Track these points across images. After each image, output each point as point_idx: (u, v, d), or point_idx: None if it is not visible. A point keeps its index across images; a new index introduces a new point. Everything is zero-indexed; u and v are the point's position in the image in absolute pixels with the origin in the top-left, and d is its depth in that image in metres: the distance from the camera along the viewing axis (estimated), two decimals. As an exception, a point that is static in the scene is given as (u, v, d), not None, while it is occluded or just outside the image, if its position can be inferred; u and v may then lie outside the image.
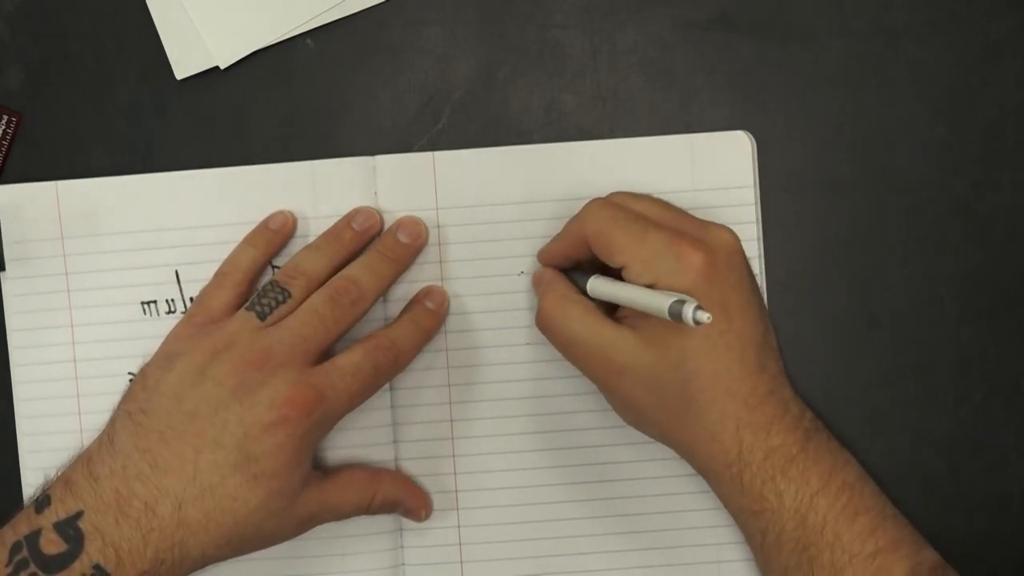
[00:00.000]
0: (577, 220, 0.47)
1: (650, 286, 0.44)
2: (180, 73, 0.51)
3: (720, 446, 0.44)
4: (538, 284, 0.49)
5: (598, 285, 0.46)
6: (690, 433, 0.45)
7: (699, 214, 0.50)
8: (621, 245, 0.44)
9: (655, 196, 0.49)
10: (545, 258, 0.50)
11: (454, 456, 0.51)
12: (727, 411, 0.44)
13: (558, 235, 0.49)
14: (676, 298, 0.41)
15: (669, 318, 0.41)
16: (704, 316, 0.40)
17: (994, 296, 0.51)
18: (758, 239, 0.51)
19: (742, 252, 0.46)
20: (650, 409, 0.46)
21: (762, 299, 0.47)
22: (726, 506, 0.46)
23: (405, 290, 0.51)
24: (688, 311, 0.40)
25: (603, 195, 0.49)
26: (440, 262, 0.51)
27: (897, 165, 0.51)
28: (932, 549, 0.45)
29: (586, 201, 0.50)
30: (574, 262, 0.48)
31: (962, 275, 0.51)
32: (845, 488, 0.44)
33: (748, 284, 0.46)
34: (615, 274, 0.46)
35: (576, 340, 0.46)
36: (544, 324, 0.47)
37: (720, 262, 0.44)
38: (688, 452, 0.46)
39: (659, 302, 0.42)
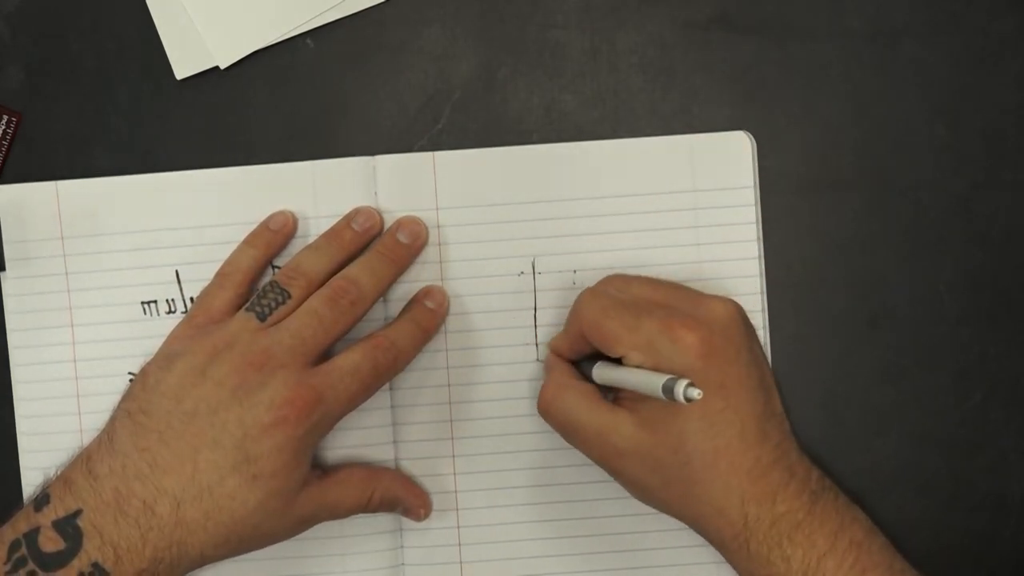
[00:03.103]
0: (573, 315, 0.48)
1: (652, 370, 0.44)
2: (180, 73, 0.51)
3: (727, 519, 0.44)
4: (544, 370, 0.50)
5: (601, 371, 0.47)
6: (695, 509, 0.45)
7: (699, 214, 0.50)
8: (616, 336, 0.45)
9: (646, 276, 0.49)
10: (554, 349, 0.50)
11: (454, 456, 0.51)
12: (730, 486, 0.44)
13: (563, 330, 0.49)
14: (668, 377, 0.41)
15: (664, 398, 0.41)
16: (695, 393, 0.40)
17: (994, 296, 0.51)
18: (758, 239, 0.51)
19: (741, 322, 0.46)
20: (654, 489, 0.46)
21: (765, 365, 0.47)
22: (737, 571, 0.46)
23: (405, 290, 0.51)
24: (680, 389, 0.40)
25: (607, 196, 0.49)
26: (440, 262, 0.51)
27: (897, 165, 0.51)
28: None
29: (586, 201, 0.50)
30: (579, 355, 0.48)
31: (962, 275, 0.51)
32: (852, 547, 0.44)
33: (747, 356, 0.45)
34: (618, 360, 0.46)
35: (576, 425, 0.46)
36: (544, 411, 0.47)
37: (716, 338, 0.44)
38: (696, 524, 0.46)
39: (653, 382, 0.42)
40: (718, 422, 0.44)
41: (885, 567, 0.44)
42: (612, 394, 0.47)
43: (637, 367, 0.44)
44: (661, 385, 0.41)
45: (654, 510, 0.49)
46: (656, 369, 0.43)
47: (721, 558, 0.50)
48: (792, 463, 0.45)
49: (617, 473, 0.47)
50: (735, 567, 0.46)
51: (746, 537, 0.44)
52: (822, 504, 0.45)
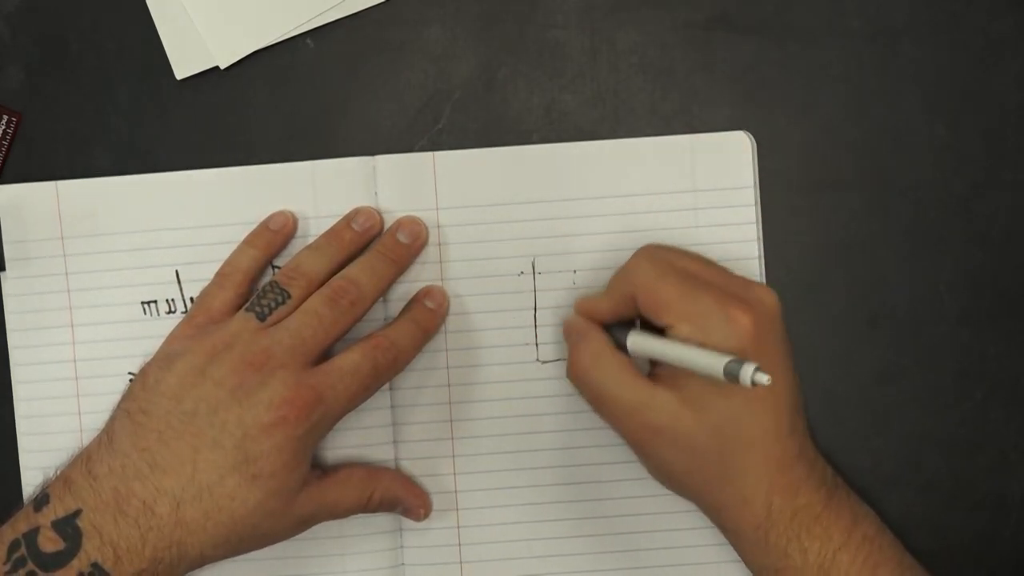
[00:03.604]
0: (623, 275, 0.46)
1: (699, 346, 0.43)
2: (180, 73, 0.51)
3: (751, 509, 0.44)
4: (569, 334, 0.47)
5: (641, 341, 0.45)
6: (721, 496, 0.45)
7: (699, 214, 0.50)
8: (669, 303, 0.44)
9: (697, 253, 0.47)
10: (586, 311, 0.47)
11: (454, 456, 0.51)
12: (761, 475, 0.44)
13: (604, 291, 0.47)
14: (732, 357, 0.40)
15: (723, 378, 0.40)
16: (764, 378, 0.39)
17: (994, 296, 0.51)
18: (758, 239, 0.51)
19: (781, 314, 0.45)
20: (682, 471, 0.45)
21: (794, 361, 0.46)
22: (746, 563, 0.46)
23: (405, 290, 0.51)
24: (747, 372, 0.39)
25: (607, 196, 0.49)
26: (440, 262, 0.51)
27: (897, 165, 0.51)
28: None
29: (586, 201, 0.50)
30: (619, 318, 0.47)
31: (962, 275, 0.51)
32: (866, 542, 0.44)
33: (785, 347, 0.45)
34: (653, 329, 0.45)
35: (611, 398, 0.45)
36: (577, 378, 0.46)
37: (764, 324, 0.44)
38: (716, 512, 0.46)
39: (713, 361, 0.41)
40: (759, 410, 0.44)
41: (896, 562, 0.44)
42: (647, 368, 0.46)
43: (682, 341, 0.43)
44: (724, 365, 0.40)
45: (654, 511, 0.50)
46: (703, 345, 0.42)
47: (722, 558, 0.50)
48: (812, 458, 0.45)
49: (645, 450, 0.46)
50: (748, 559, 0.46)
51: (767, 528, 0.44)
52: (837, 499, 0.45)
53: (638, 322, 0.47)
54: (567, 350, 0.48)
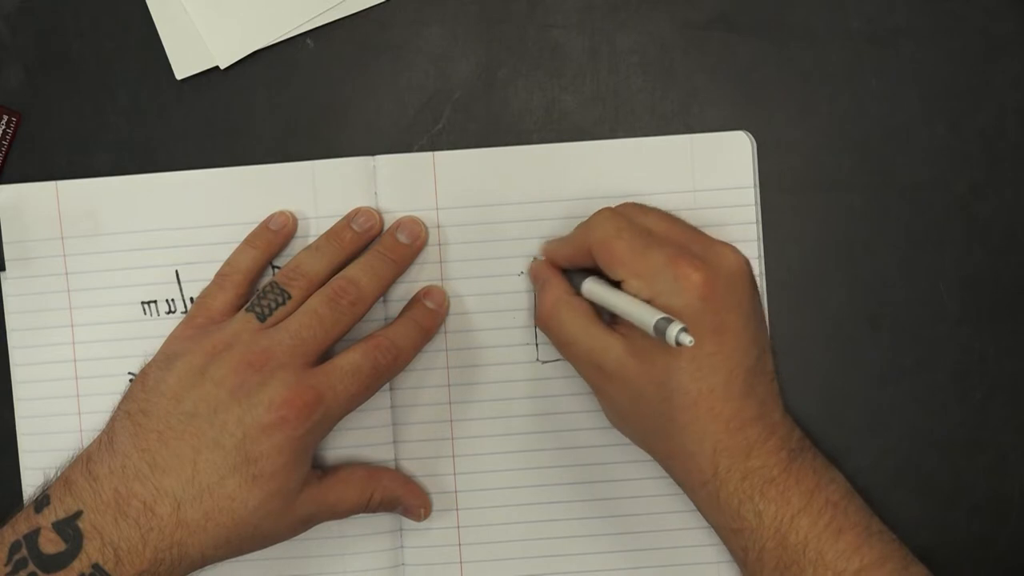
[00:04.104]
0: (584, 228, 0.47)
1: (648, 301, 0.44)
2: (180, 73, 0.51)
3: (696, 464, 0.44)
4: (535, 279, 0.50)
5: (592, 288, 0.47)
6: (667, 446, 0.46)
7: (699, 214, 0.50)
8: (622, 258, 0.45)
9: (664, 211, 0.49)
10: (549, 254, 0.50)
11: (454, 456, 0.51)
12: (706, 432, 0.44)
13: (566, 238, 0.49)
14: (662, 315, 0.41)
15: (653, 334, 0.41)
16: (687, 339, 0.40)
17: (994, 296, 0.51)
18: (758, 239, 0.51)
19: (746, 274, 0.46)
20: (632, 417, 0.46)
21: (763, 323, 0.47)
22: (707, 520, 0.46)
23: (405, 290, 0.51)
24: (672, 331, 0.40)
25: (607, 196, 0.49)
26: (440, 262, 0.51)
27: (897, 165, 0.51)
28: (920, 564, 0.44)
29: (586, 201, 0.50)
30: (576, 266, 0.48)
31: (962, 275, 0.51)
32: (828, 506, 0.44)
33: (747, 307, 0.45)
34: (616, 283, 0.46)
35: (568, 341, 0.47)
36: (542, 323, 0.48)
37: (720, 283, 0.44)
38: (666, 463, 0.47)
39: (646, 317, 0.42)
40: (705, 367, 0.44)
41: (862, 528, 0.44)
42: (609, 315, 0.47)
43: (633, 295, 0.44)
44: (654, 322, 0.41)
45: (654, 510, 0.50)
46: (652, 301, 0.43)
47: (722, 558, 0.50)
48: (774, 422, 0.45)
49: (600, 393, 0.47)
50: (707, 517, 0.46)
51: (715, 486, 0.44)
52: (799, 463, 0.44)
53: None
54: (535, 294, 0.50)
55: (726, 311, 0.44)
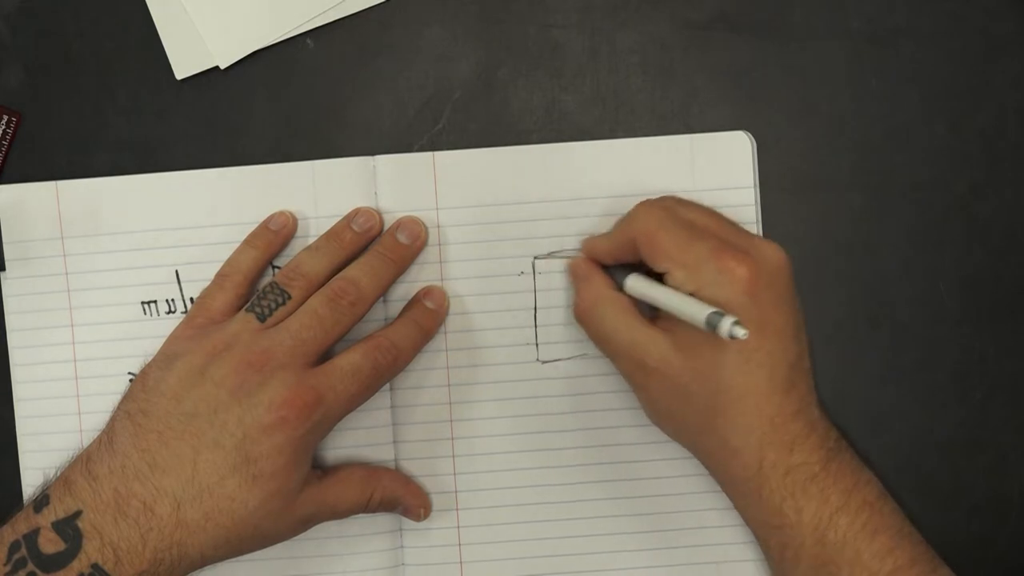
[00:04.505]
0: (626, 221, 0.47)
1: (691, 294, 0.43)
2: (180, 73, 0.51)
3: (740, 460, 0.44)
4: (574, 276, 0.49)
5: (636, 284, 0.46)
6: (712, 443, 0.45)
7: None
8: (667, 250, 0.44)
9: (704, 205, 0.48)
10: (589, 251, 0.49)
11: (454, 456, 0.51)
12: (752, 427, 0.44)
13: (607, 233, 0.49)
14: (714, 309, 0.41)
15: (705, 328, 0.41)
16: (740, 332, 0.40)
17: (994, 296, 0.51)
18: (758, 239, 0.51)
19: (788, 270, 0.45)
20: (676, 413, 0.46)
21: (802, 320, 0.46)
22: (744, 517, 0.46)
23: (405, 290, 0.51)
24: (725, 324, 0.40)
25: (607, 196, 0.49)
26: (440, 262, 0.51)
27: (897, 165, 0.51)
28: (947, 567, 0.44)
29: (586, 201, 0.50)
30: (618, 261, 0.48)
31: (962, 275, 0.51)
32: (865, 507, 0.44)
33: (789, 303, 0.45)
34: (657, 277, 0.46)
35: (608, 336, 0.46)
36: (581, 318, 0.48)
37: (763, 278, 0.44)
38: (708, 459, 0.46)
39: (696, 310, 0.42)
40: (752, 361, 0.44)
41: (896, 530, 0.44)
42: (650, 311, 0.47)
43: (676, 288, 0.44)
44: (705, 316, 0.41)
45: (654, 510, 0.49)
46: (696, 293, 0.43)
47: (721, 558, 0.50)
48: (813, 419, 0.45)
49: (642, 389, 0.47)
50: (744, 513, 0.46)
51: (759, 483, 0.44)
52: (838, 462, 0.44)
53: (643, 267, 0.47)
54: (572, 290, 0.49)
55: (769, 306, 0.44)
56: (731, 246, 0.44)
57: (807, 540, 0.43)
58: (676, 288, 0.44)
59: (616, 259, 0.48)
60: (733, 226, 0.47)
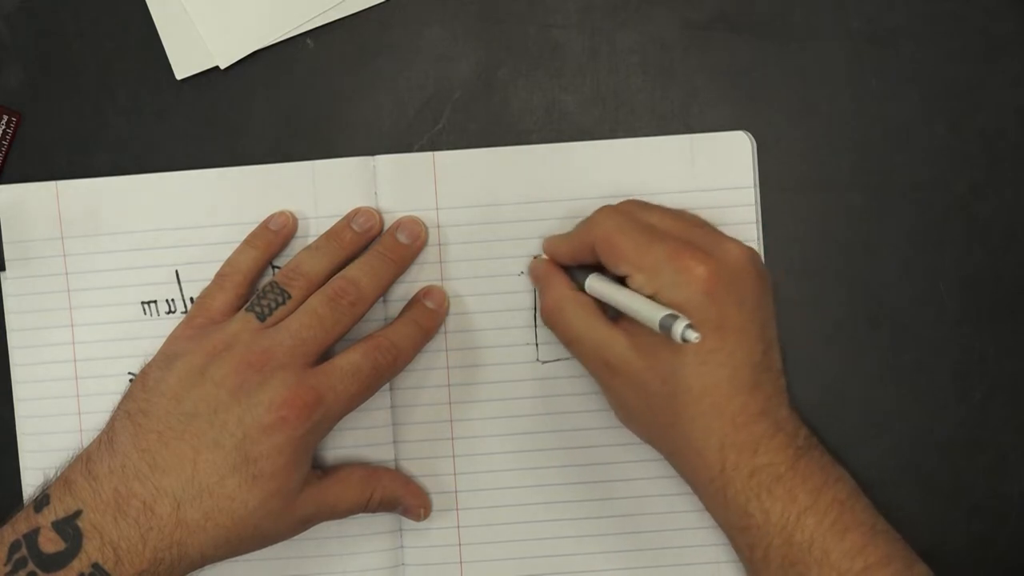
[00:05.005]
0: (586, 225, 0.47)
1: (651, 296, 0.43)
2: (180, 73, 0.51)
3: (703, 461, 0.44)
4: (537, 278, 0.50)
5: (595, 284, 0.47)
6: (675, 443, 0.45)
7: (699, 214, 0.50)
8: (625, 254, 0.44)
9: (668, 206, 0.48)
10: (551, 251, 0.50)
11: (454, 456, 0.51)
12: (712, 428, 0.44)
13: (568, 235, 0.49)
14: (667, 312, 0.41)
15: (659, 331, 0.41)
16: (693, 335, 0.40)
17: (994, 296, 0.51)
18: (758, 239, 0.51)
19: (753, 269, 0.45)
20: (640, 414, 0.46)
21: (771, 317, 0.46)
22: (713, 518, 0.46)
23: (405, 290, 0.51)
24: (679, 328, 0.40)
25: (607, 196, 0.49)
26: (440, 262, 0.51)
27: (897, 165, 0.51)
28: (924, 564, 0.44)
29: (586, 201, 0.50)
30: (578, 263, 0.48)
31: (962, 275, 0.51)
32: (835, 505, 0.43)
33: (752, 303, 0.45)
34: (620, 279, 0.46)
35: (574, 337, 0.47)
36: (548, 320, 0.48)
37: (724, 277, 0.44)
38: (674, 460, 0.47)
39: (651, 313, 0.42)
40: (710, 362, 0.43)
41: (868, 527, 0.44)
42: (613, 311, 0.47)
43: (636, 290, 0.44)
44: (659, 319, 0.41)
45: (654, 510, 0.49)
46: (656, 296, 0.43)
47: (722, 558, 0.50)
48: (781, 418, 0.45)
49: (607, 388, 0.47)
50: (713, 514, 0.46)
51: (723, 483, 0.44)
52: (806, 460, 0.44)
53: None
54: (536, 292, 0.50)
55: (730, 306, 0.44)
56: (691, 246, 0.44)
57: (775, 540, 0.43)
58: (637, 291, 0.44)
59: (576, 261, 0.48)
60: (695, 226, 0.47)
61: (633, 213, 0.47)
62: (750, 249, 0.45)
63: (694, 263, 0.43)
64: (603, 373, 0.46)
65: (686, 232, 0.46)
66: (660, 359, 0.44)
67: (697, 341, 0.40)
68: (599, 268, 0.47)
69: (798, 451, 0.44)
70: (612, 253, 0.45)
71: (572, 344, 0.47)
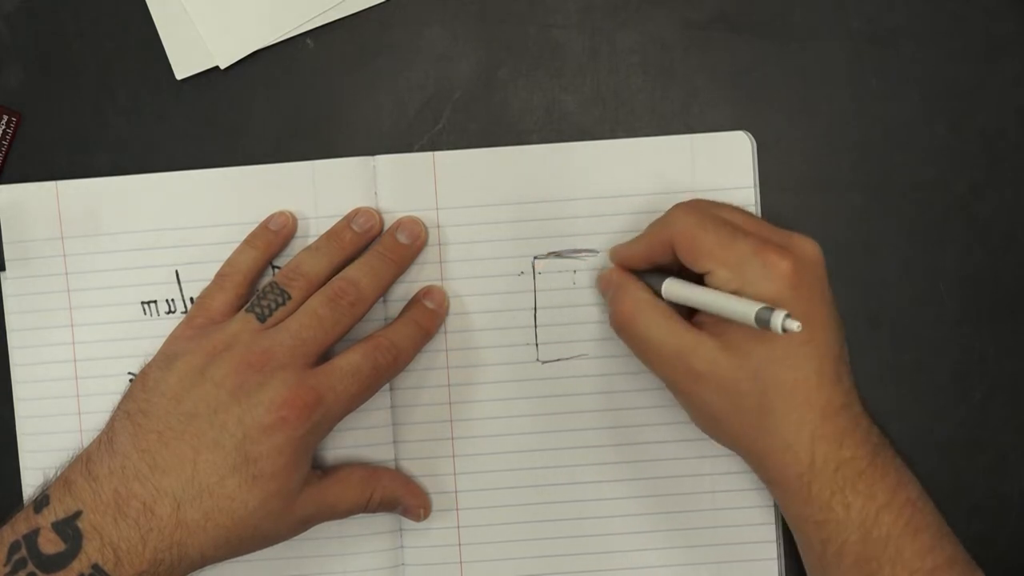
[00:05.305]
0: (662, 223, 0.46)
1: (734, 293, 0.43)
2: (180, 73, 0.51)
3: (794, 455, 0.44)
4: (607, 286, 0.49)
5: (675, 288, 0.45)
6: (764, 442, 0.45)
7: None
8: (708, 249, 0.44)
9: (734, 205, 0.47)
10: (620, 259, 0.49)
11: (454, 456, 0.51)
12: (804, 421, 0.43)
13: (638, 238, 0.48)
14: (763, 305, 0.41)
15: (755, 325, 0.41)
16: (794, 325, 0.40)
17: (994, 296, 0.51)
18: (758, 239, 0.51)
19: (824, 264, 0.45)
20: (725, 416, 0.45)
21: (839, 313, 0.46)
22: (785, 514, 0.46)
23: (405, 290, 0.51)
24: (778, 319, 0.40)
25: (607, 196, 0.49)
26: (440, 262, 0.51)
27: (897, 165, 0.51)
28: (981, 571, 0.44)
29: (586, 201, 0.50)
30: (652, 265, 0.47)
31: (962, 275, 0.51)
32: (908, 504, 0.43)
33: (829, 296, 0.45)
34: (692, 278, 0.45)
35: (653, 345, 0.45)
36: (621, 327, 0.47)
37: (805, 272, 0.43)
38: (759, 460, 0.46)
39: (745, 308, 0.41)
40: (799, 355, 0.43)
41: (935, 528, 0.44)
42: (689, 315, 0.46)
43: (718, 288, 0.43)
44: (755, 312, 0.40)
45: (654, 510, 0.49)
46: (740, 292, 0.43)
47: (722, 558, 0.50)
48: (858, 413, 0.45)
49: (689, 397, 0.46)
50: (788, 511, 0.45)
51: (810, 478, 0.43)
52: (883, 458, 0.44)
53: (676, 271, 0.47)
54: (606, 302, 0.49)
55: (813, 300, 0.44)
56: (772, 242, 0.44)
57: (852, 536, 0.43)
58: (718, 288, 0.43)
59: (650, 263, 0.47)
60: (769, 225, 0.46)
61: (709, 209, 0.46)
62: (819, 246, 0.45)
63: (777, 258, 0.43)
64: (685, 380, 0.45)
65: (760, 228, 0.45)
66: (750, 357, 0.43)
67: (799, 331, 0.40)
68: (669, 273, 0.46)
69: (875, 447, 0.44)
70: (693, 249, 0.44)
71: (649, 352, 0.46)
